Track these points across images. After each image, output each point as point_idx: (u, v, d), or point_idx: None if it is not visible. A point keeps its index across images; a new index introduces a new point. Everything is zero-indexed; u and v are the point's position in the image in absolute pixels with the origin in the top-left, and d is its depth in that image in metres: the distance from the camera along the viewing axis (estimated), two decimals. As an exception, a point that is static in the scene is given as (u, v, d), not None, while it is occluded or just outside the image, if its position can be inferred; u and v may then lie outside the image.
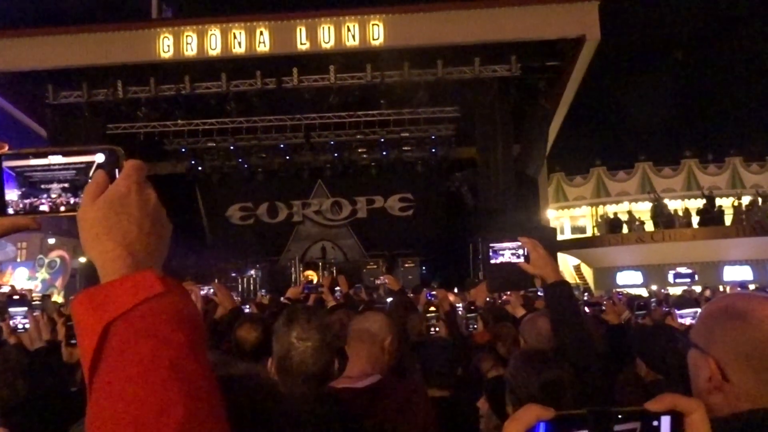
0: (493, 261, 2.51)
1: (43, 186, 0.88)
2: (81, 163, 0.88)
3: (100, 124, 19.33)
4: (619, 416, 0.56)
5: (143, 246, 0.77)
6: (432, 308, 4.93)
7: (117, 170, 0.84)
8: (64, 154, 0.89)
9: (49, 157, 0.88)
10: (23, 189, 0.88)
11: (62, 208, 0.89)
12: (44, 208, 0.89)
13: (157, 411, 0.64)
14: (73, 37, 18.13)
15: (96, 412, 0.66)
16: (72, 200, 0.88)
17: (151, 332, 0.68)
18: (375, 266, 19.38)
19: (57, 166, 0.88)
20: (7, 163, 0.88)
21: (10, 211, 0.88)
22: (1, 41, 18.15)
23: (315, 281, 17.28)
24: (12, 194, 0.88)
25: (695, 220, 22.00)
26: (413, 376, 2.98)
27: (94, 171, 0.87)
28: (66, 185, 0.88)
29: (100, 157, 0.87)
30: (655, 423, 0.57)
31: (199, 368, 0.69)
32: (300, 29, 18.04)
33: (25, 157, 0.88)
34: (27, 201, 0.88)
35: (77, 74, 18.25)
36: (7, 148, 0.89)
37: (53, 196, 0.88)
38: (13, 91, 18.88)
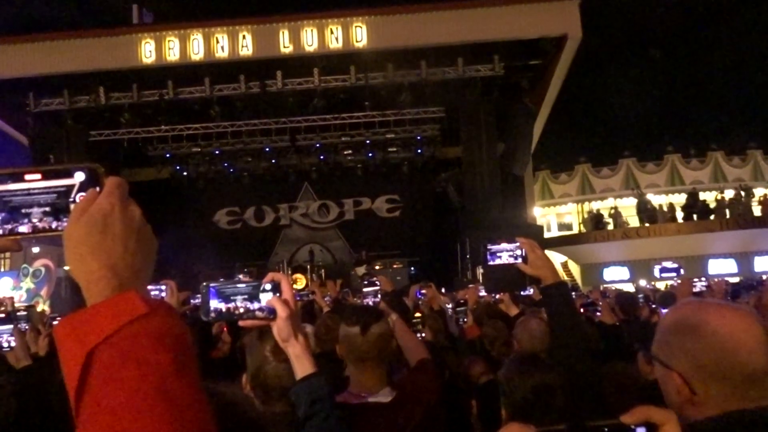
0: (490, 263, 2.49)
1: (24, 210, 0.87)
2: (62, 186, 0.87)
3: (82, 131, 19.13)
4: (596, 430, 0.57)
5: (128, 265, 0.76)
6: (417, 314, 4.91)
7: (98, 188, 0.82)
8: (43, 173, 0.87)
9: (27, 177, 0.87)
10: (3, 214, 0.87)
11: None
12: (25, 230, 0.87)
13: None
14: (54, 43, 17.95)
15: None
16: (54, 224, 0.87)
17: (135, 356, 0.68)
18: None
19: (37, 190, 0.87)
20: None
21: None
22: (-20, 49, 17.92)
23: (303, 287, 17.25)
24: None
25: (679, 214, 22.24)
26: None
27: (76, 193, 0.86)
28: (47, 209, 0.87)
29: (79, 176, 0.87)
30: None
31: (187, 389, 0.69)
32: (283, 32, 18.00)
33: (4, 181, 0.87)
34: (7, 226, 0.87)
35: (58, 81, 18.06)
36: None
37: (34, 220, 0.87)
38: (-8, 99, 18.64)
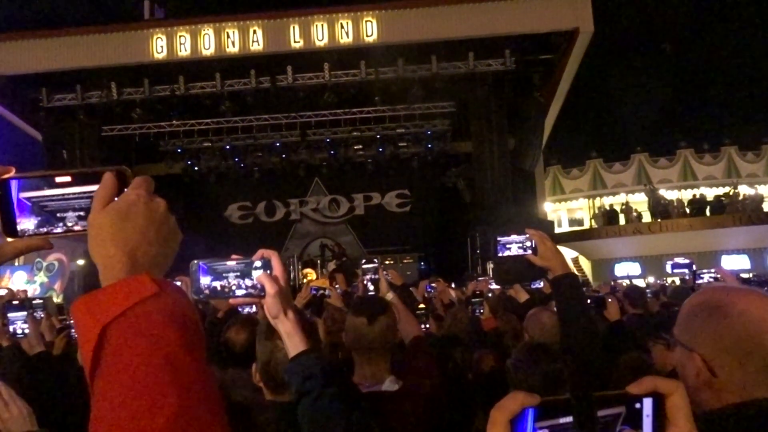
0: (500, 254, 2.48)
1: (59, 215, 0.91)
2: (94, 192, 0.90)
3: (95, 126, 19.27)
4: (603, 401, 0.57)
5: (144, 253, 0.81)
6: (421, 305, 4.91)
7: (125, 188, 0.87)
8: (73, 176, 0.91)
9: (58, 179, 0.91)
10: (39, 218, 0.91)
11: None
12: (59, 231, 0.92)
13: (151, 404, 0.67)
14: (66, 39, 18.07)
15: (97, 409, 0.70)
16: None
17: (145, 331, 0.72)
18: (376, 263, 19.28)
19: (72, 195, 0.91)
20: (23, 194, 0.90)
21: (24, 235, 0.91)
22: (-6, 45, 18.08)
23: (314, 279, 17.29)
24: (29, 223, 0.91)
25: (693, 209, 22.06)
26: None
27: None
28: (81, 213, 0.91)
29: None
30: (638, 405, 0.58)
31: (194, 363, 0.72)
32: (293, 27, 18.01)
33: (41, 187, 0.91)
34: (43, 229, 0.91)
35: (71, 77, 18.18)
36: (14, 171, 0.91)
37: (69, 224, 0.91)
38: (7, 94, 18.78)
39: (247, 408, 1.87)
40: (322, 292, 5.35)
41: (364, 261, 2.81)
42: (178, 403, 0.68)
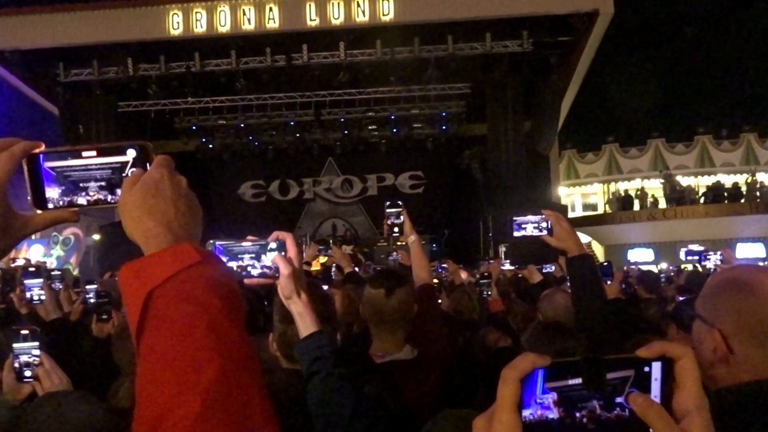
0: (516, 234, 2.48)
1: (81, 185, 0.95)
2: (116, 162, 0.94)
3: (111, 102, 19.36)
4: (612, 363, 0.57)
5: (180, 224, 0.85)
6: (435, 280, 4.95)
7: (147, 163, 0.92)
8: (98, 150, 0.95)
9: (84, 153, 0.94)
10: (63, 188, 0.95)
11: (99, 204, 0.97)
12: (82, 202, 0.96)
13: (195, 366, 0.70)
14: (83, 14, 18.09)
15: (142, 371, 0.73)
16: (109, 197, 0.95)
17: (189, 297, 0.75)
18: (386, 243, 19.39)
19: (94, 166, 0.95)
20: (47, 164, 0.94)
21: (50, 206, 0.95)
22: (12, 19, 18.15)
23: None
24: (53, 192, 0.95)
25: (708, 196, 21.84)
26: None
27: (129, 169, 0.94)
28: (103, 183, 0.95)
29: (131, 153, 0.94)
30: (647, 369, 0.58)
31: (235, 329, 0.76)
32: (309, 5, 17.88)
33: (64, 157, 0.95)
34: (66, 199, 0.95)
35: (88, 52, 18.24)
36: (44, 146, 0.94)
37: (91, 194, 0.95)
38: (24, 69, 18.89)
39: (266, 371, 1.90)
40: (329, 253, 5.43)
41: (388, 204, 2.83)
42: (221, 367, 0.70)
